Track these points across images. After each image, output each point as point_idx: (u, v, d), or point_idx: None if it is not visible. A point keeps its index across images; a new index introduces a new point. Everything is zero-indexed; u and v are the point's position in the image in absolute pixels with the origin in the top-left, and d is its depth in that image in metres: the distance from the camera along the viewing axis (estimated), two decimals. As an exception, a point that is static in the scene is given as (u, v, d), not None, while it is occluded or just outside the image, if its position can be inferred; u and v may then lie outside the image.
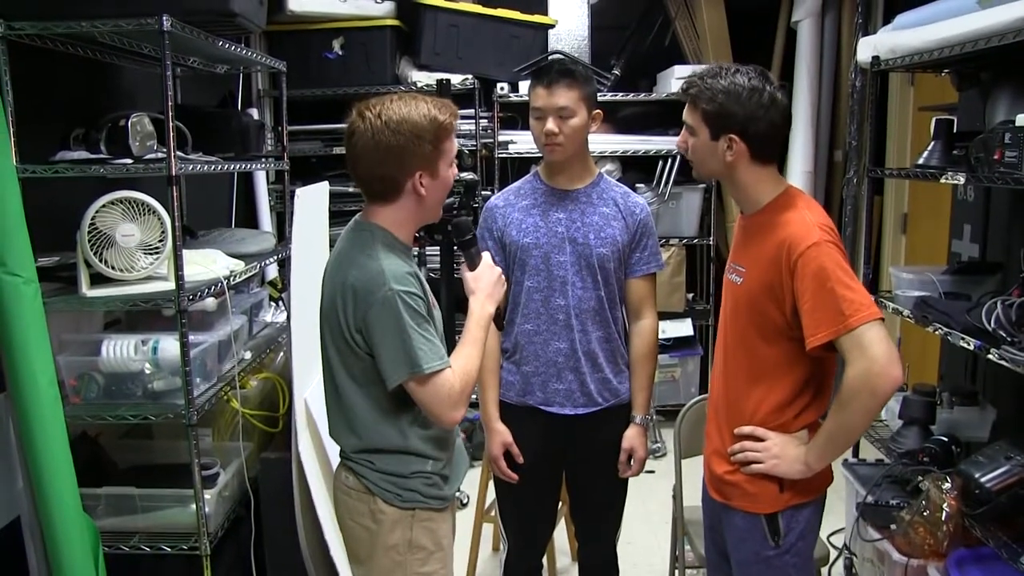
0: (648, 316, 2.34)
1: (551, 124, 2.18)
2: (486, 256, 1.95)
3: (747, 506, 1.89)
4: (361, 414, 1.80)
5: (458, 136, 1.98)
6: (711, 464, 1.99)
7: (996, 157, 2.17)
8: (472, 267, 1.92)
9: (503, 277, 1.95)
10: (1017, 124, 2.10)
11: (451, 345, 1.84)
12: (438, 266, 3.67)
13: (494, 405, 2.32)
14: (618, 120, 4.70)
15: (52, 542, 2.05)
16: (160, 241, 2.37)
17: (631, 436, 2.32)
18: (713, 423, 2.00)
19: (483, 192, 4.44)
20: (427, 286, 1.82)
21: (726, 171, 1.85)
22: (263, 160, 3.27)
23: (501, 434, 2.30)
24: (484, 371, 2.23)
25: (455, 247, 2.01)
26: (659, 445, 4.40)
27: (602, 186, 2.31)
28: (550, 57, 2.28)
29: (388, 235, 1.79)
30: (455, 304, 2.37)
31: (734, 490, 1.91)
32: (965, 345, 2.27)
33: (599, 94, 2.31)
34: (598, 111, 2.25)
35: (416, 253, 3.39)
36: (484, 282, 1.90)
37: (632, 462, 2.33)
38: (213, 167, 2.65)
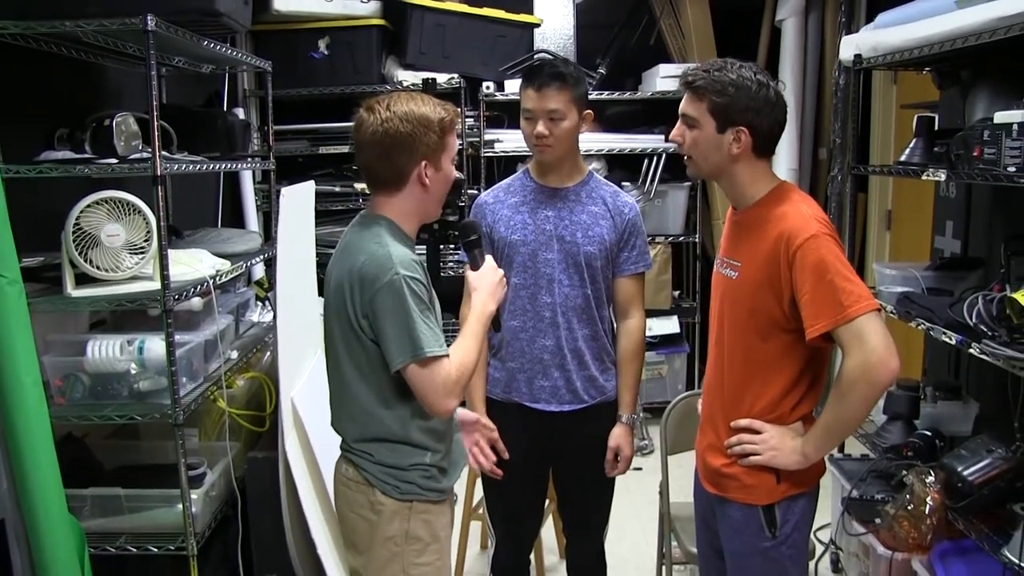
0: (636, 315, 2.35)
1: (541, 127, 2.19)
2: (489, 258, 1.99)
3: (744, 498, 1.90)
4: (364, 403, 1.83)
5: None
6: (706, 458, 1.99)
7: (976, 154, 2.19)
8: (475, 267, 1.97)
9: (504, 279, 1.99)
10: (996, 121, 2.13)
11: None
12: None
13: (481, 401, 2.33)
14: (604, 119, 4.71)
15: (37, 544, 2.04)
16: (146, 241, 2.36)
17: (617, 435, 2.33)
18: (708, 417, 2.01)
19: (469, 191, 4.44)
20: (428, 276, 1.85)
21: (728, 164, 1.85)
22: (249, 160, 3.27)
23: (488, 430, 2.31)
24: None
25: (452, 244, 2.04)
26: (646, 442, 4.41)
27: (591, 185, 2.32)
28: (536, 57, 2.29)
29: (394, 226, 1.84)
30: (441, 303, 2.37)
31: (731, 482, 1.91)
32: (947, 340, 2.30)
33: (583, 93, 2.32)
34: (589, 111, 2.25)
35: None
36: (486, 282, 1.94)
37: (619, 461, 2.34)
38: (199, 167, 2.64)
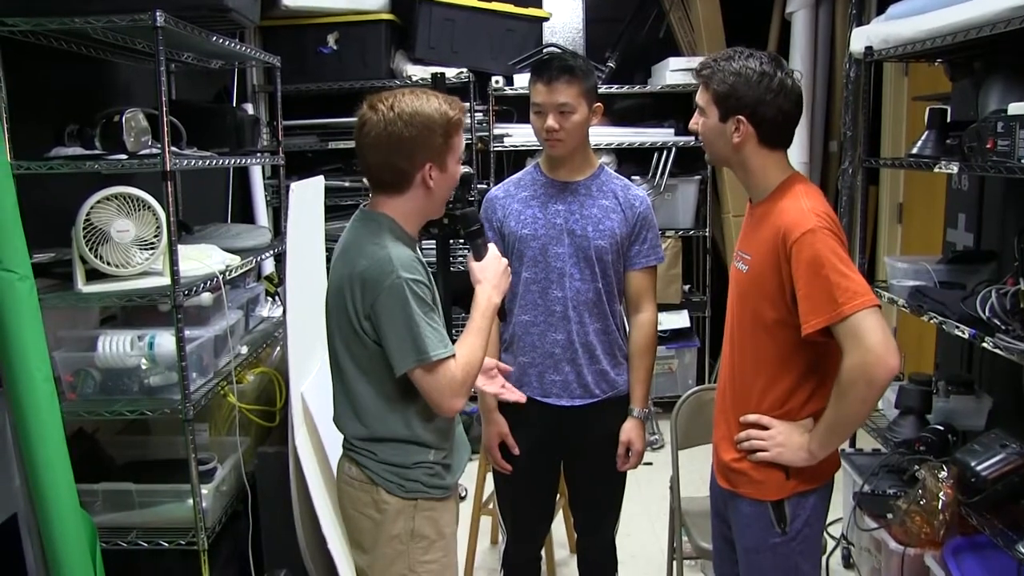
0: (647, 309, 2.33)
1: (551, 121, 2.18)
2: (492, 247, 1.97)
3: (753, 493, 1.89)
4: (367, 403, 1.82)
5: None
6: (719, 450, 1.99)
7: (989, 146, 2.17)
8: (478, 257, 1.95)
9: (509, 268, 1.98)
10: (1009, 113, 2.11)
11: (451, 339, 1.83)
12: (433, 259, 3.68)
13: (492, 395, 2.32)
14: (613, 112, 4.70)
15: (49, 539, 2.05)
16: (155, 236, 2.36)
17: (628, 429, 2.32)
18: (720, 411, 2.00)
19: (479, 185, 4.44)
20: (431, 275, 1.83)
21: (733, 154, 1.86)
22: (258, 155, 3.27)
23: (498, 425, 2.31)
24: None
25: (461, 238, 2.02)
26: (656, 437, 4.41)
27: (602, 178, 2.31)
28: (546, 51, 2.28)
29: (396, 225, 1.81)
30: (451, 298, 2.36)
31: (740, 477, 1.91)
32: (960, 334, 2.28)
33: (591, 86, 2.31)
34: (599, 105, 2.25)
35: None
36: (490, 272, 1.92)
37: (630, 455, 2.33)
38: (208, 162, 2.65)
